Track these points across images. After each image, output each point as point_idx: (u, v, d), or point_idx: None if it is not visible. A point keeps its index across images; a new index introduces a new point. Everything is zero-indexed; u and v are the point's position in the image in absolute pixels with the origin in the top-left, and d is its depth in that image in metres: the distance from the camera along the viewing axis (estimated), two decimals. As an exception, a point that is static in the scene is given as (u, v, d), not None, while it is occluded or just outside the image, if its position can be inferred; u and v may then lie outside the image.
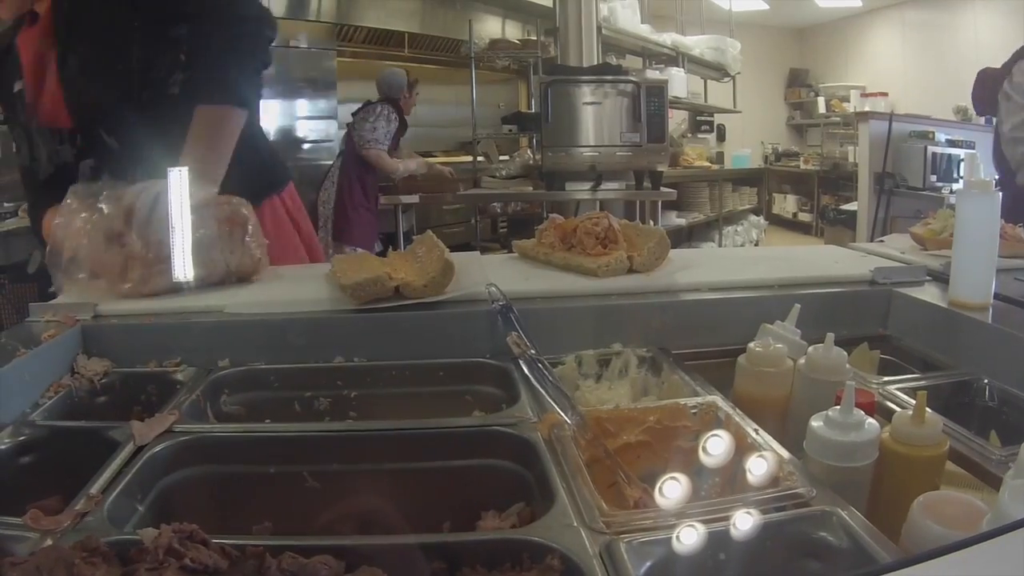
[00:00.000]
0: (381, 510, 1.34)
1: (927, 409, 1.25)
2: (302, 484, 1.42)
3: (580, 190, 6.65)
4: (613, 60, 8.18)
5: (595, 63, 7.45)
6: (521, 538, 1.08)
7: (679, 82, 9.09)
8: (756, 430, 1.34)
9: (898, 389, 1.59)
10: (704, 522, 1.06)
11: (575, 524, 1.09)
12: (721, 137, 11.81)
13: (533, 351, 1.56)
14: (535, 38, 9.27)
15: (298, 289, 2.08)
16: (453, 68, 9.54)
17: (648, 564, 1.01)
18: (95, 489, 1.23)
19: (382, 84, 7.19)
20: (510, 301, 1.78)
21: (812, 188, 12.94)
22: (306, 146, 8.18)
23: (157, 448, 1.40)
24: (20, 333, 1.81)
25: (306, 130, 8.21)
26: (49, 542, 1.09)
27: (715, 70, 10.76)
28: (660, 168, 6.66)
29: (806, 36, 14.28)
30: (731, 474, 1.28)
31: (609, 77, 6.54)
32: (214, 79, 2.26)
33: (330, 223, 6.77)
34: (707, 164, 10.12)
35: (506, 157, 8.77)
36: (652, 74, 8.39)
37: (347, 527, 1.26)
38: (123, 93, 2.31)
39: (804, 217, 13.16)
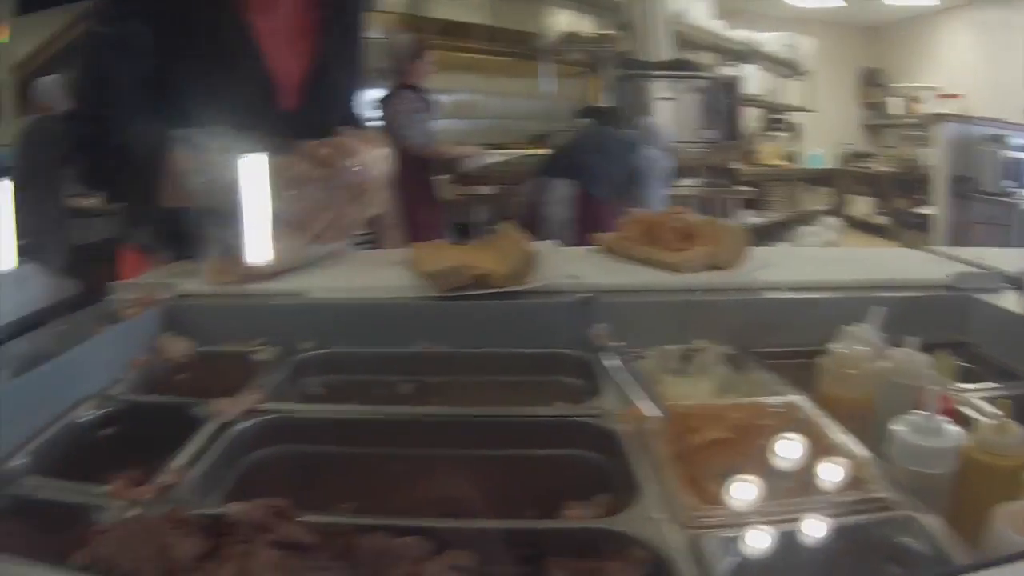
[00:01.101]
0: (462, 496, 1.34)
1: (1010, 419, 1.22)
2: (384, 467, 1.43)
3: (657, 187, 6.64)
4: (686, 56, 8.14)
5: (668, 58, 7.42)
6: (608, 528, 1.08)
7: (752, 79, 9.03)
8: (837, 431, 1.33)
9: (978, 397, 1.55)
10: (785, 521, 1.07)
11: (661, 517, 1.09)
12: (795, 136, 11.72)
13: (617, 343, 1.56)
14: (608, 32, 9.25)
15: (378, 275, 2.09)
16: (524, 61, 9.53)
17: (731, 560, 1.01)
18: (179, 463, 1.26)
19: (389, 54, 6.80)
20: (593, 293, 1.78)
21: (886, 190, 12.80)
22: (381, 136, 8.18)
23: (241, 426, 1.42)
24: (101, 310, 1.85)
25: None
26: (133, 512, 1.11)
27: (788, 68, 10.68)
28: (735, 165, 6.64)
29: (880, 35, 14.07)
30: (812, 475, 1.28)
31: (683, 72, 6.51)
32: None
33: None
34: (781, 163, 10.05)
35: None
36: (725, 70, 8.32)
37: (428, 511, 1.23)
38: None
39: (878, 220, 13.02)
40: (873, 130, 14.37)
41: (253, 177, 1.93)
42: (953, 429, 1.19)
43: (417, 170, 6.45)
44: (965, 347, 1.87)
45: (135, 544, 0.97)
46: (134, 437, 1.46)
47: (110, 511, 1.12)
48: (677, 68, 6.72)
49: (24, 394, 1.41)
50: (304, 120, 2.33)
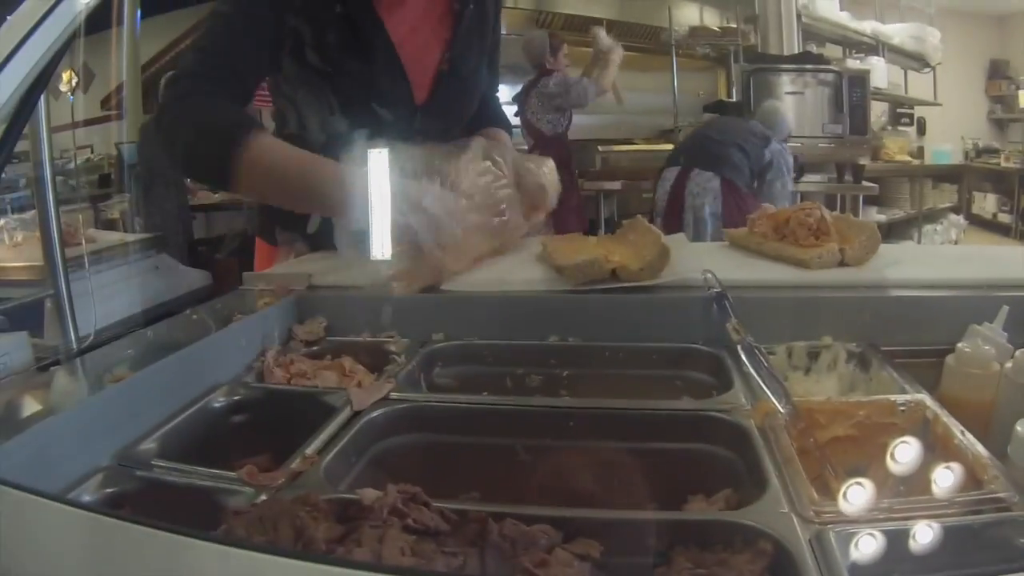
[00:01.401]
0: (588, 488, 1.37)
1: None
2: (511, 457, 1.46)
3: (783, 182, 6.58)
4: (813, 48, 8.04)
5: (795, 51, 7.35)
6: (734, 521, 1.09)
7: (879, 72, 8.86)
8: (962, 431, 1.31)
9: None
10: (907, 519, 1.07)
11: (787, 511, 1.10)
12: (921, 131, 11.47)
13: (751, 338, 1.57)
14: (734, 26, 9.18)
15: (511, 268, 2.12)
16: (651, 55, 9.49)
17: (855, 555, 1.01)
18: (311, 450, 1.30)
19: (526, 52, 6.93)
20: (726, 288, 1.79)
21: (1013, 187, 12.45)
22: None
23: (374, 414, 1.46)
24: (234, 301, 1.93)
25: (508, 115, 8.27)
26: (263, 497, 1.15)
27: (915, 60, 10.46)
28: (862, 161, 6.55)
29: (1007, 25, 13.67)
30: (934, 474, 1.28)
31: (810, 66, 6.44)
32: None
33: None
34: (908, 159, 9.86)
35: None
36: (852, 63, 8.20)
37: (555, 502, 1.26)
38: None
39: (1004, 218, 12.66)
40: (1000, 124, 14.00)
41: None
42: None
43: (559, 160, 6.42)
44: None
45: (270, 525, 1.01)
46: (264, 424, 1.53)
47: (242, 495, 1.17)
48: (804, 61, 6.65)
49: (160, 380, 1.47)
50: (439, 113, 2.38)
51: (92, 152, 9.49)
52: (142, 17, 10.13)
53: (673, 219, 6.01)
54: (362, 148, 1.94)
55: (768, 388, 1.40)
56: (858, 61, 8.85)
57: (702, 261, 1.93)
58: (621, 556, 1.08)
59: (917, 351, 1.74)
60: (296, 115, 2.29)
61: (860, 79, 6.36)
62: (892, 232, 9.38)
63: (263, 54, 2.12)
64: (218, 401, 1.55)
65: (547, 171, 2.34)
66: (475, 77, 2.49)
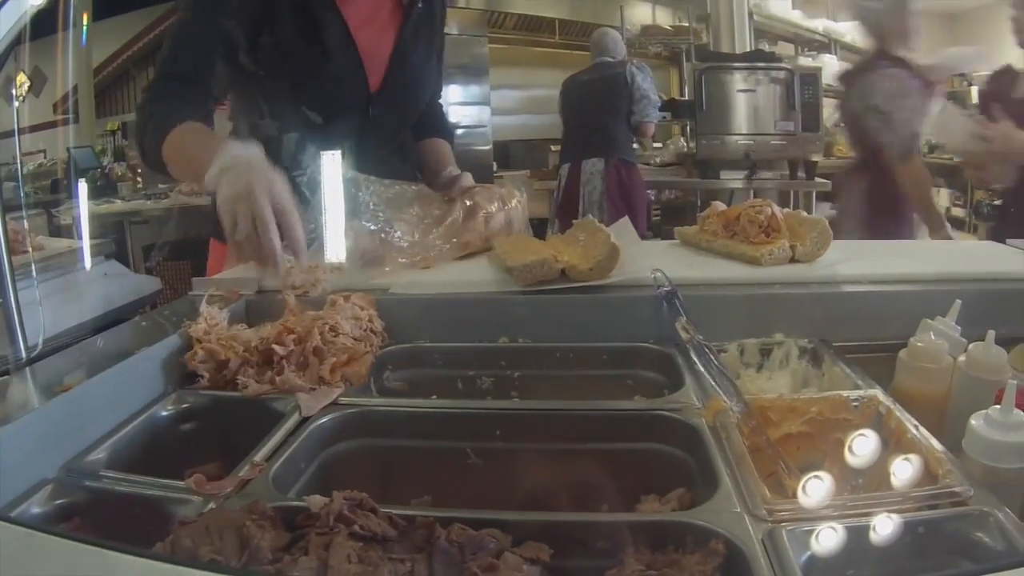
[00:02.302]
0: (540, 489, 1.36)
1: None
2: (462, 460, 1.45)
3: (734, 179, 6.60)
4: (765, 47, 8.08)
5: (747, 50, 7.38)
6: (686, 521, 1.09)
7: (832, 70, 8.91)
8: (916, 426, 1.31)
9: None
10: (861, 515, 1.07)
11: (739, 510, 1.09)
12: (873, 127, 11.56)
13: (700, 337, 1.56)
14: (687, 24, 9.20)
15: (461, 270, 2.11)
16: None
17: (808, 554, 1.01)
18: (259, 457, 1.28)
19: (602, 45, 6.72)
20: (675, 287, 1.78)
21: (966, 182, 12.51)
22: (459, 131, 8.26)
23: (323, 420, 1.45)
24: (182, 307, 1.89)
25: (459, 116, 8.31)
26: (212, 506, 1.13)
27: (868, 57, 10.53)
28: (815, 158, 6.58)
29: (959, 22, 13.80)
30: (888, 469, 1.27)
31: (762, 64, 6.47)
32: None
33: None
34: (860, 155, 9.92)
35: (659, 144, 8.72)
36: (805, 61, 8.25)
37: (505, 504, 1.26)
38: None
39: (957, 212, 12.75)
40: (954, 121, 14.07)
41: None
42: None
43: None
44: None
45: (216, 535, 1.00)
46: (213, 432, 1.51)
47: (190, 504, 1.15)
48: (756, 59, 6.68)
49: (108, 389, 1.45)
50: (391, 102, 2.43)
51: (45, 157, 9.40)
52: (93, 20, 10.09)
53: (568, 210, 6.22)
54: (318, 134, 2.11)
55: (719, 386, 1.39)
56: (810, 59, 8.91)
57: (652, 260, 1.92)
58: (572, 559, 1.08)
59: (870, 346, 1.75)
60: (255, 105, 2.34)
61: (812, 77, 6.38)
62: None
63: (222, 51, 2.19)
64: (166, 409, 1.53)
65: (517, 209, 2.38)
66: (424, 68, 2.56)
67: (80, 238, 2.52)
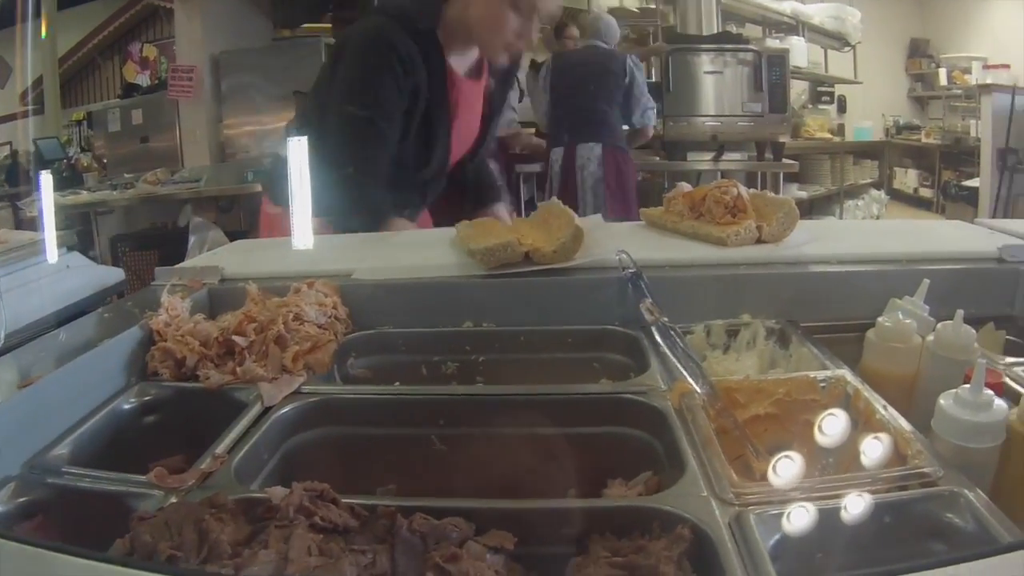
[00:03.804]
0: (506, 475, 1.36)
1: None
2: (427, 447, 1.44)
3: (701, 160, 6.60)
4: (732, 29, 8.06)
5: (715, 32, 7.37)
6: (651, 506, 1.08)
7: (799, 51, 8.93)
8: (885, 406, 1.30)
9: None
10: (830, 497, 1.06)
11: (705, 494, 1.09)
12: (842, 108, 11.55)
13: (665, 319, 1.54)
14: (654, 7, 9.17)
15: (425, 254, 2.08)
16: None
17: (777, 537, 1.00)
18: (221, 448, 1.27)
19: (606, 33, 6.62)
20: (640, 268, 1.76)
21: (934, 163, 12.54)
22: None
23: (285, 409, 1.44)
24: (146, 297, 1.86)
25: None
26: (173, 499, 1.12)
27: (835, 39, 10.51)
28: (782, 139, 6.58)
29: (927, 4, 13.78)
30: (857, 450, 1.26)
31: (729, 46, 6.46)
32: None
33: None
34: (828, 136, 9.92)
35: (627, 127, 8.68)
36: (772, 43, 8.24)
37: (471, 491, 1.26)
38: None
39: (925, 193, 12.76)
40: (920, 102, 14.13)
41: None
42: (1000, 403, 1.17)
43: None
44: (1014, 321, 1.83)
45: (175, 530, 0.98)
46: (176, 424, 1.50)
47: (152, 499, 1.14)
48: (723, 41, 6.67)
49: (70, 383, 1.43)
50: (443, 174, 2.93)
51: (11, 148, 9.35)
52: (57, 9, 10.03)
53: (568, 196, 6.09)
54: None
55: (684, 368, 1.37)
56: (778, 41, 8.90)
57: (618, 242, 1.91)
58: (537, 546, 1.07)
59: (837, 326, 1.74)
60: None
61: (779, 58, 6.37)
62: (814, 208, 9.46)
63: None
64: (129, 402, 1.52)
65: None
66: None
67: (43, 230, 2.49)
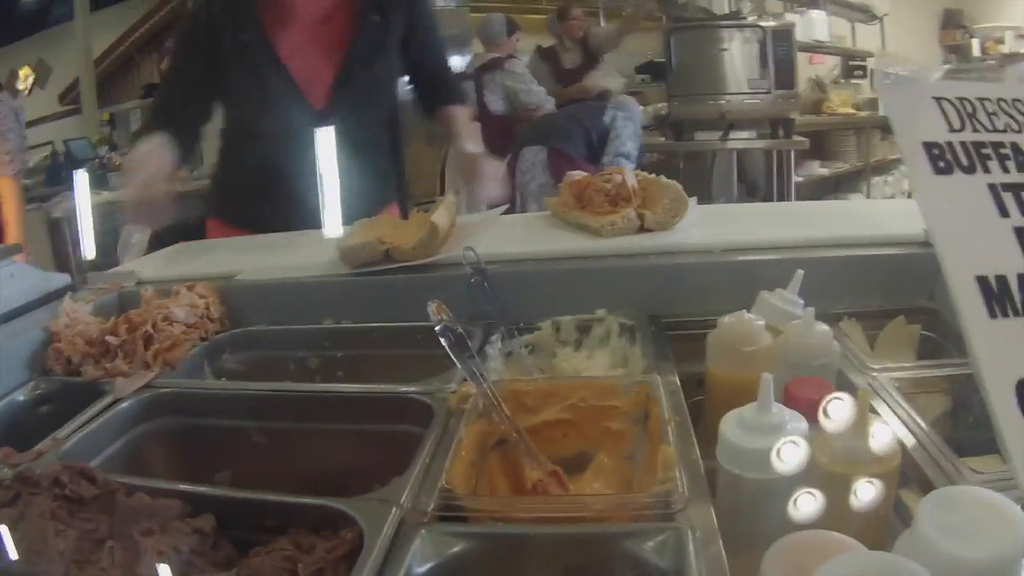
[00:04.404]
0: (309, 466, 1.49)
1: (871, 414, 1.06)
2: (250, 439, 1.53)
3: (709, 140, 6.55)
4: (748, 4, 7.95)
5: (729, 8, 7.29)
6: (334, 507, 1.10)
7: (821, 25, 8.78)
8: (674, 419, 1.23)
9: (898, 380, 1.37)
10: (531, 520, 1.06)
11: (400, 501, 1.09)
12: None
13: (452, 321, 1.48)
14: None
15: (303, 254, 2.13)
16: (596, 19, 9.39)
17: (437, 560, 1.00)
18: (63, 433, 1.40)
19: (484, 33, 6.87)
20: (485, 264, 1.76)
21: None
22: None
23: (129, 400, 1.55)
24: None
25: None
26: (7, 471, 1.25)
27: (861, 12, 10.33)
28: (792, 115, 6.51)
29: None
30: (608, 469, 1.25)
31: (732, 23, 6.40)
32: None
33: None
34: (852, 111, 9.74)
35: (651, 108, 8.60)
36: (792, 17, 8.11)
37: (283, 480, 1.33)
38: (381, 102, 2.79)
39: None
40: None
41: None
42: (799, 426, 1.03)
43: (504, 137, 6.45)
44: (933, 314, 1.69)
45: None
46: (65, 414, 1.54)
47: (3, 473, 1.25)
48: (730, 18, 6.61)
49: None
50: (340, 115, 2.57)
51: (52, 149, 9.43)
52: (93, 9, 10.15)
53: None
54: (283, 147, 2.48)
55: (464, 371, 1.34)
56: (798, 15, 8.77)
57: (504, 235, 1.94)
58: (248, 532, 1.16)
59: (707, 322, 1.48)
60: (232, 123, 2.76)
61: (785, 33, 6.29)
62: (840, 186, 9.29)
63: (198, 92, 2.63)
64: (24, 395, 1.65)
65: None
66: (384, 78, 2.78)
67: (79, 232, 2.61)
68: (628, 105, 6.14)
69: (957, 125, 1.01)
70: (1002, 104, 1.05)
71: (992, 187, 0.97)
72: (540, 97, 6.62)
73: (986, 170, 0.98)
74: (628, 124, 6.01)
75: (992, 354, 0.86)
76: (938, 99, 1.03)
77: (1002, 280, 0.90)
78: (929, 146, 0.98)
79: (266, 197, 2.58)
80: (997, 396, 0.84)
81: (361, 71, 2.64)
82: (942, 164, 0.97)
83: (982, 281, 0.89)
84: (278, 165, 2.53)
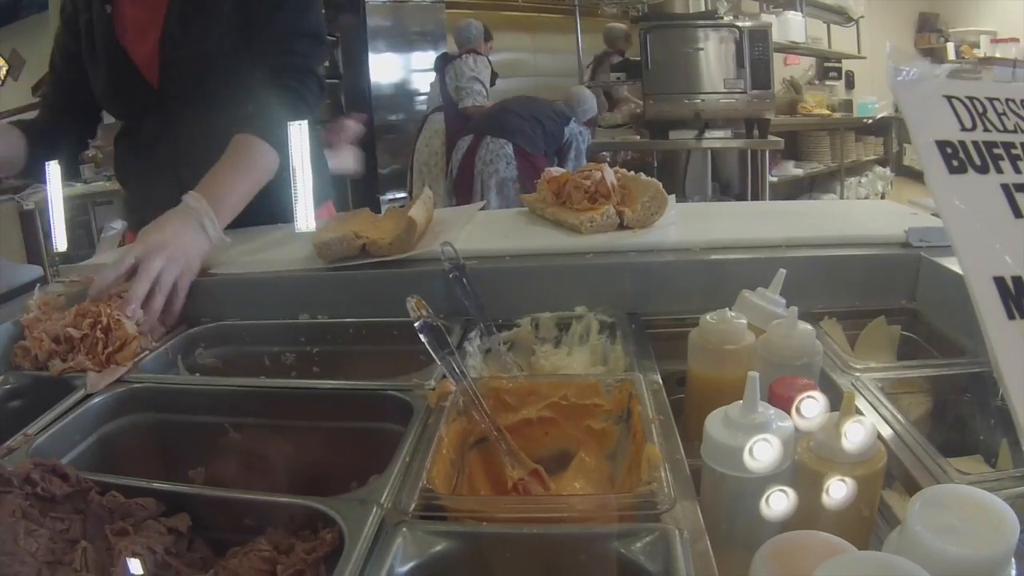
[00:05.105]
0: (286, 463, 1.47)
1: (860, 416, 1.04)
2: (224, 435, 1.50)
3: (684, 138, 6.56)
4: (725, 4, 7.97)
5: (705, 7, 7.33)
6: (316, 507, 1.08)
7: (797, 26, 8.80)
8: (662, 420, 1.22)
9: (881, 380, 1.37)
10: (516, 521, 1.04)
11: (380, 500, 1.07)
12: (850, 84, 11.42)
13: (431, 317, 1.47)
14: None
15: (280, 249, 2.10)
16: (568, 17, 9.42)
17: (419, 559, 0.98)
18: (33, 429, 1.36)
19: (460, 35, 7.07)
20: (463, 261, 1.73)
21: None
22: (419, 98, 8.33)
23: (102, 396, 1.52)
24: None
25: (420, 83, 8.30)
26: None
27: (837, 14, 10.38)
28: (767, 116, 6.52)
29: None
30: (591, 469, 1.23)
31: (708, 22, 6.42)
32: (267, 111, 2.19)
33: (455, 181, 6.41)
34: (827, 112, 9.78)
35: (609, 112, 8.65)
36: (767, 18, 8.13)
37: (256, 476, 1.40)
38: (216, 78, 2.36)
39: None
40: (931, 78, 13.89)
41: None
42: (785, 426, 1.01)
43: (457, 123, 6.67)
44: (914, 314, 1.70)
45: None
46: (36, 408, 1.51)
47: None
48: (706, 18, 6.63)
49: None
50: (178, 93, 2.36)
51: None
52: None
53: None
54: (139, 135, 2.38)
55: (444, 367, 1.33)
56: (774, 16, 8.79)
57: (480, 231, 1.93)
58: (218, 532, 1.14)
59: (687, 320, 1.50)
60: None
61: (761, 34, 6.30)
62: (815, 186, 9.34)
63: (68, 80, 2.49)
64: None
65: None
66: (208, 49, 2.33)
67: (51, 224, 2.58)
68: (585, 111, 6.38)
69: (968, 124, 1.00)
70: (1011, 105, 1.05)
71: (1005, 187, 0.97)
72: (474, 97, 6.80)
73: (999, 170, 0.98)
74: (583, 144, 6.24)
75: (1012, 355, 0.86)
76: (949, 98, 1.02)
77: (1019, 281, 0.89)
78: (942, 144, 0.97)
79: (143, 198, 2.45)
80: (1018, 396, 0.84)
81: (183, 39, 2.31)
82: (956, 163, 0.97)
83: (999, 282, 0.89)
84: (144, 161, 2.42)
